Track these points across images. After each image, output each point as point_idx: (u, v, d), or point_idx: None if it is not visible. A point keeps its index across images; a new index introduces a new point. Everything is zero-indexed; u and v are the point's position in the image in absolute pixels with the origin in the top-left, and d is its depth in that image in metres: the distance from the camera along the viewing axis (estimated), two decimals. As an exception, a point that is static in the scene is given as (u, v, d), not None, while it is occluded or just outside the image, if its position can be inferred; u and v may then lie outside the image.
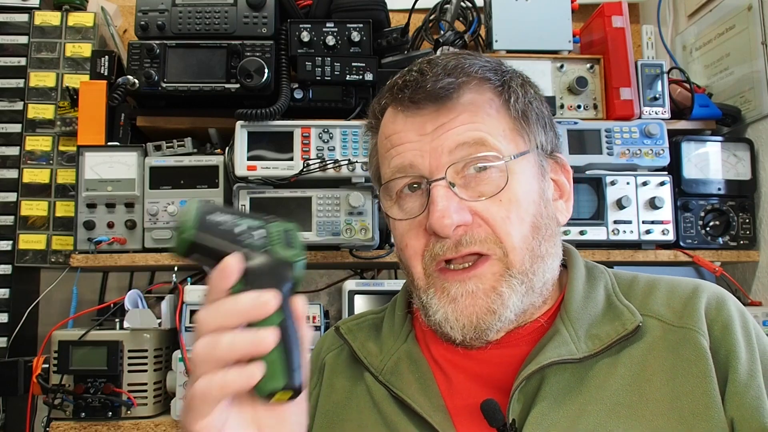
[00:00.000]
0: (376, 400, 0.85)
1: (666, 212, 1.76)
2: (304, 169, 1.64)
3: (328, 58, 1.74)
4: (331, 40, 1.75)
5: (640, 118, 1.81)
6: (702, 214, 1.80)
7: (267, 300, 0.60)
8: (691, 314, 0.79)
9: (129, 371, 1.60)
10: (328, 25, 1.77)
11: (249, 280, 0.62)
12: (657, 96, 1.84)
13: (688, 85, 1.88)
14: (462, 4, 1.97)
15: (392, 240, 1.72)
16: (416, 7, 1.95)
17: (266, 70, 1.66)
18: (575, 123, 1.77)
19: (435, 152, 0.80)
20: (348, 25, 1.77)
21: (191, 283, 1.69)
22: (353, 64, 1.74)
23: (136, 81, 1.69)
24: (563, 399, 0.76)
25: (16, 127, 1.91)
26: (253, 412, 0.64)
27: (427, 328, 0.89)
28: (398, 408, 0.82)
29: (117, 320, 1.68)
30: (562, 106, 1.82)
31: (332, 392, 0.91)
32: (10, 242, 1.86)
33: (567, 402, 0.75)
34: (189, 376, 0.63)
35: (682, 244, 1.78)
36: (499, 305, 0.78)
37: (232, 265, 0.61)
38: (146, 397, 1.60)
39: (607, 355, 0.78)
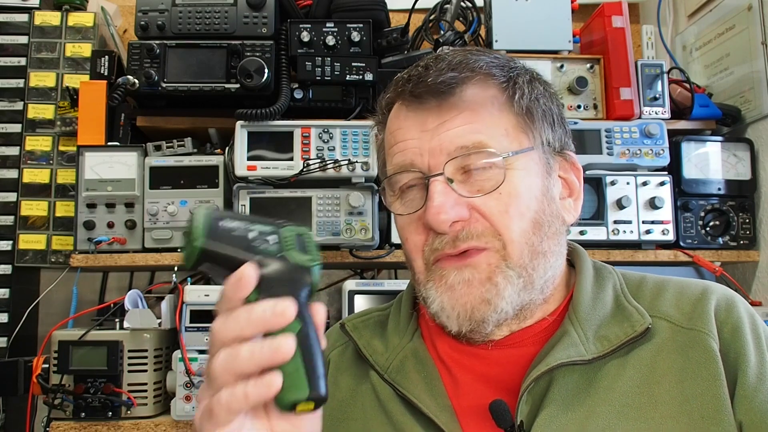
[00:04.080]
0: (382, 399, 0.85)
1: (666, 212, 1.76)
2: (304, 169, 1.64)
3: (328, 58, 1.74)
4: (331, 40, 1.75)
5: (640, 118, 1.81)
6: (702, 214, 1.80)
7: (284, 308, 0.59)
8: (701, 316, 0.79)
9: (129, 371, 1.60)
10: (328, 25, 1.77)
11: (264, 288, 0.60)
12: (657, 96, 1.84)
13: (688, 85, 1.88)
14: (462, 4, 1.97)
15: (392, 239, 1.73)
16: (416, 7, 1.95)
17: (266, 70, 1.66)
18: (575, 123, 1.77)
19: (434, 151, 0.80)
20: (348, 25, 1.76)
21: (191, 283, 1.69)
22: (353, 64, 1.74)
23: (136, 81, 1.69)
24: (572, 401, 0.75)
25: (16, 127, 1.91)
26: (267, 421, 0.63)
27: (433, 326, 0.89)
28: (404, 408, 0.82)
29: (117, 320, 1.68)
30: (562, 106, 1.81)
31: (337, 390, 0.91)
32: (10, 242, 1.86)
33: (576, 405, 0.75)
34: (207, 384, 0.62)
35: (682, 244, 1.78)
36: (494, 295, 0.77)
37: (249, 275, 0.59)
38: (146, 397, 1.60)
39: (615, 357, 0.78)
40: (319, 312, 0.63)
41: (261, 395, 0.58)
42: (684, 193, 1.80)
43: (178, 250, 1.71)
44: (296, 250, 0.63)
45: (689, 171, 1.81)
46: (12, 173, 1.89)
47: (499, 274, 0.78)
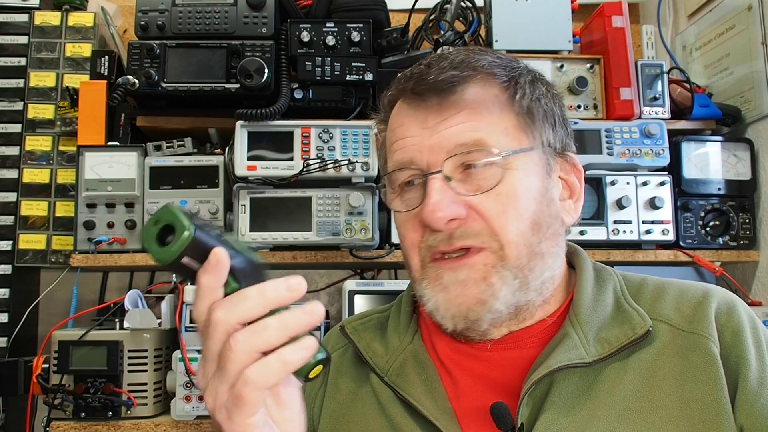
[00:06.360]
0: (382, 401, 0.85)
1: (666, 212, 1.76)
2: (304, 169, 1.64)
3: (328, 58, 1.74)
4: (331, 40, 1.75)
5: (640, 118, 1.81)
6: (702, 214, 1.80)
7: (299, 283, 0.61)
8: (701, 319, 0.78)
9: (129, 371, 1.60)
10: (328, 25, 1.77)
11: (241, 277, 0.61)
12: (657, 96, 1.84)
13: (688, 85, 1.88)
14: (462, 4, 1.97)
15: (392, 239, 1.73)
16: (416, 7, 1.95)
17: (266, 70, 1.66)
18: (575, 123, 1.76)
19: (433, 149, 0.80)
20: (348, 25, 1.76)
21: (191, 283, 1.69)
22: (353, 64, 1.74)
23: (136, 81, 1.69)
24: (572, 405, 0.75)
25: (16, 127, 1.91)
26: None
27: (432, 326, 0.88)
28: (404, 410, 0.82)
29: (117, 320, 1.68)
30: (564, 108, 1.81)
31: (337, 392, 0.90)
32: (10, 242, 1.86)
33: (576, 408, 0.75)
34: (218, 376, 0.60)
35: (682, 244, 1.78)
36: (489, 296, 0.77)
37: (223, 258, 0.59)
38: (146, 397, 1.60)
39: (616, 360, 0.78)
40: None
41: (302, 358, 0.59)
42: (684, 193, 1.80)
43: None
44: (247, 249, 0.65)
45: (689, 171, 1.81)
46: (12, 173, 1.89)
47: (494, 274, 0.77)
